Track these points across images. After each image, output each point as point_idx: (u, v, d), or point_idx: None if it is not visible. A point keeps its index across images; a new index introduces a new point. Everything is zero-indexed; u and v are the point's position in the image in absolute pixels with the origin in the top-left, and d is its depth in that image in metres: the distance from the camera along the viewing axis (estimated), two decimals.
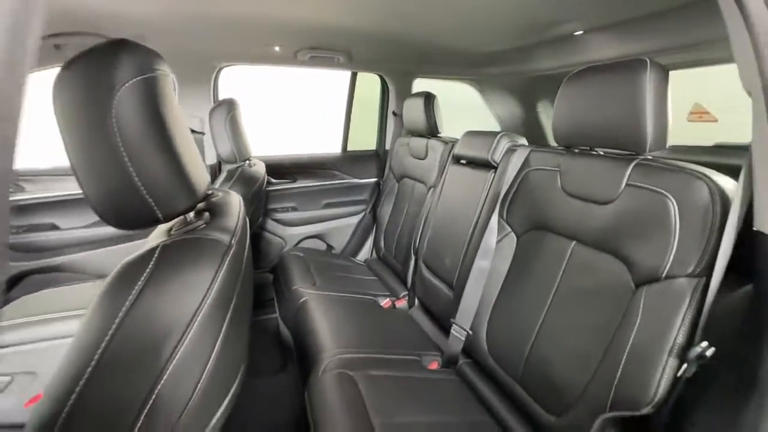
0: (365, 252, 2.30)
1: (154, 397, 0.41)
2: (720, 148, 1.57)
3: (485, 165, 1.40)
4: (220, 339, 0.48)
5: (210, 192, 0.68)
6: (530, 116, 2.50)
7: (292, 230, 2.15)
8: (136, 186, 0.46)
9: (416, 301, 1.64)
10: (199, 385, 0.45)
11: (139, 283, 0.43)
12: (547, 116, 2.49)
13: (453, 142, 1.67)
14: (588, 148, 0.98)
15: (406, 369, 1.17)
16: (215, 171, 1.96)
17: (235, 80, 2.05)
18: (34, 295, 1.28)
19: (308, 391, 1.03)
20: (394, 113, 2.30)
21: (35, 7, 0.22)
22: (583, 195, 0.93)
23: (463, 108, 2.57)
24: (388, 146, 2.35)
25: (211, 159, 1.92)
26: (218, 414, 0.50)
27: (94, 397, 0.38)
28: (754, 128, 0.60)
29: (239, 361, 0.58)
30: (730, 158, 1.32)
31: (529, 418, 0.94)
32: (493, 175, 1.34)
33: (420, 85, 2.28)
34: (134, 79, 0.46)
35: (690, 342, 0.68)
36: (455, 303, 1.25)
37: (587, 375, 0.80)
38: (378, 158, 2.37)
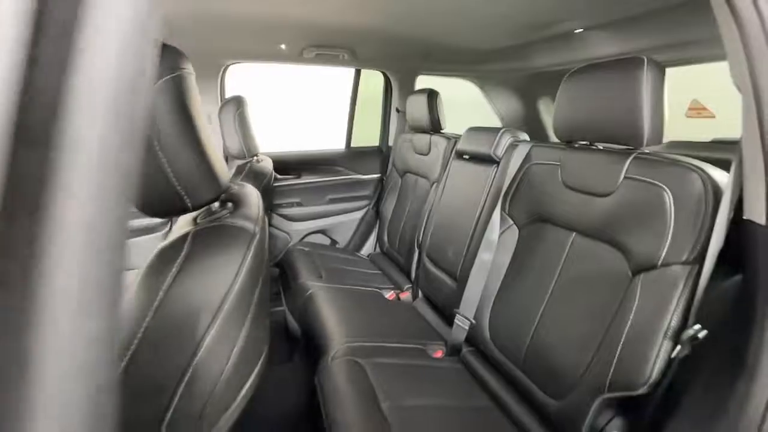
0: (368, 246, 2.34)
1: (191, 370, 0.45)
2: (717, 144, 1.61)
3: (488, 160, 1.43)
4: (248, 319, 0.52)
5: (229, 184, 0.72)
6: (531, 112, 2.54)
7: (297, 225, 2.19)
8: (168, 177, 0.50)
9: (420, 293, 1.68)
10: (230, 360, 0.49)
11: (176, 265, 0.47)
12: (547, 112, 2.52)
13: (456, 138, 1.71)
14: (587, 143, 1.01)
15: (411, 357, 1.21)
16: None
17: (237, 79, 2.08)
18: None
19: (318, 376, 1.08)
20: (397, 110, 2.33)
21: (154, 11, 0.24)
22: (583, 188, 0.96)
23: (463, 105, 2.60)
24: (390, 143, 2.39)
25: None
26: (245, 389, 0.54)
27: (139, 370, 0.42)
28: (744, 123, 0.63)
29: (263, 344, 0.62)
30: (725, 153, 1.36)
31: (531, 403, 0.98)
32: (495, 169, 1.37)
33: (422, 82, 2.31)
34: (166, 78, 0.50)
35: (683, 325, 0.71)
36: (458, 294, 1.29)
37: (587, 359, 0.84)
38: (381, 154, 2.40)
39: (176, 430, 0.44)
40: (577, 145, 1.04)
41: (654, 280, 0.76)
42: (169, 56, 0.52)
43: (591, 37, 1.62)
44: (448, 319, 1.36)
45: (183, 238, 0.50)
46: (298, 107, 2.63)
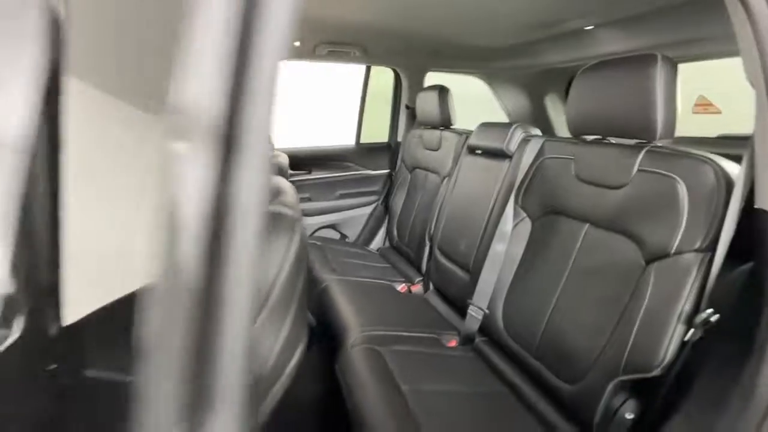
0: (378, 241, 2.37)
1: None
2: (723, 139, 1.64)
3: (500, 155, 1.46)
4: (295, 300, 0.55)
5: None
6: (538, 109, 2.56)
7: (308, 220, 2.22)
8: None
9: (431, 285, 1.72)
10: (278, 341, 0.52)
11: None
12: (554, 109, 2.54)
13: (467, 134, 1.74)
14: (600, 137, 1.04)
15: (427, 346, 1.25)
16: None
17: None
18: None
19: (338, 363, 1.11)
20: (407, 106, 2.36)
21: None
22: (596, 180, 1.00)
23: (470, 101, 2.63)
24: (399, 138, 2.42)
25: None
26: (289, 368, 0.58)
27: None
28: (757, 116, 0.67)
29: (304, 327, 0.65)
30: (731, 149, 1.39)
31: (545, 388, 1.01)
32: (508, 164, 1.40)
33: (431, 78, 2.34)
34: None
35: (696, 310, 0.75)
36: (471, 285, 1.32)
37: (601, 342, 0.87)
38: (390, 150, 2.43)
39: None
40: (590, 139, 1.07)
41: (667, 268, 0.79)
42: None
43: (600, 34, 1.64)
44: (461, 310, 1.40)
45: None
46: (307, 103, 2.66)
